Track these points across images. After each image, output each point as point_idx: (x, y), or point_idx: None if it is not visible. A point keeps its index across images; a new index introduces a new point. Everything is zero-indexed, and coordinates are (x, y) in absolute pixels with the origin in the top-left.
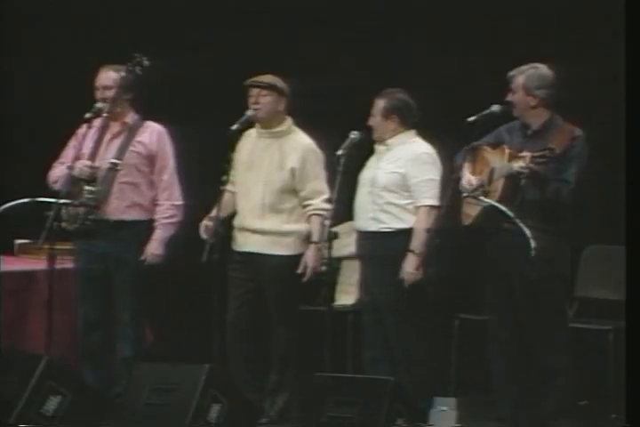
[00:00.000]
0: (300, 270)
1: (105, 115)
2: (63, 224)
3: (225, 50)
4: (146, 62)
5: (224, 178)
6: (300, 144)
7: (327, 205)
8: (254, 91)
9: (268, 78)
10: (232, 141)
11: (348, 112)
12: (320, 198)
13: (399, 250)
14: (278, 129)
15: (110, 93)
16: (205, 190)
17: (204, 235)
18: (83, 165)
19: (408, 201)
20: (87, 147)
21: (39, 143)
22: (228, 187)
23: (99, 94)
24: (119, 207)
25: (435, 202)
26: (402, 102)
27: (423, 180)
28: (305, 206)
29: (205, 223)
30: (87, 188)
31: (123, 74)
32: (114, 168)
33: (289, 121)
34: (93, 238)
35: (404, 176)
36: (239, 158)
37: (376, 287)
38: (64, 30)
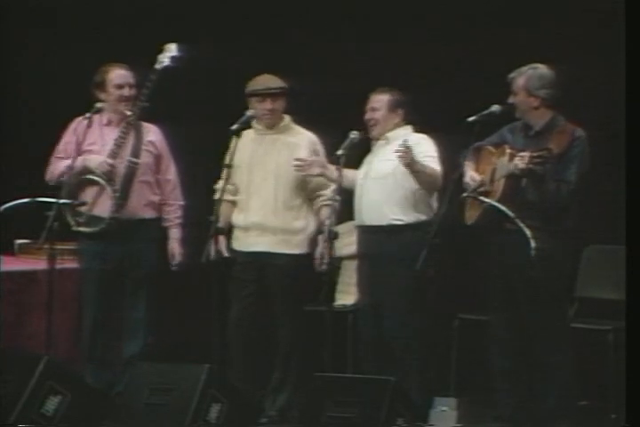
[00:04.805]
0: (317, 262)
1: (129, 114)
2: (83, 229)
3: (225, 49)
4: (178, 54)
5: (220, 186)
6: (305, 137)
7: (337, 196)
8: (267, 97)
9: (275, 82)
10: (233, 142)
11: (348, 112)
12: (330, 189)
13: (404, 246)
14: (281, 124)
15: (134, 92)
16: (203, 191)
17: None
18: (101, 162)
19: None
20: (94, 144)
21: (40, 143)
22: (227, 196)
23: (125, 92)
24: (138, 206)
25: (439, 168)
26: (405, 97)
27: (426, 155)
28: (315, 198)
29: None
30: (110, 187)
31: (158, 66)
32: (133, 167)
33: (287, 116)
34: (111, 239)
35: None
36: (242, 160)
37: (377, 286)
38: (64, 30)
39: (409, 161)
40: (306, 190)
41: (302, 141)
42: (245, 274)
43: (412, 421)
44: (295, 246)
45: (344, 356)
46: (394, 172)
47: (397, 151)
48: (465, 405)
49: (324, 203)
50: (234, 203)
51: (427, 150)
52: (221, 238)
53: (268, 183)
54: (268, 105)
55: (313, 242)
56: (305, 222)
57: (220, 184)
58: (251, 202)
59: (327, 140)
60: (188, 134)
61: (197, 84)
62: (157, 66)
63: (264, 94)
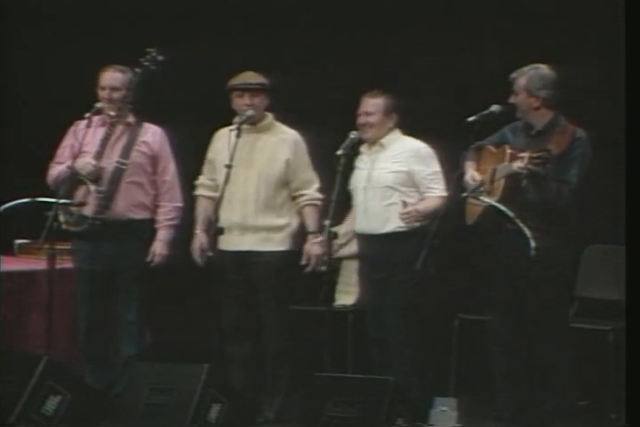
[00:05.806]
0: (304, 261)
1: (112, 115)
2: (71, 228)
3: (222, 49)
4: (160, 57)
5: (201, 181)
6: (289, 135)
7: (320, 195)
8: (245, 92)
9: (255, 78)
10: (233, 141)
11: (348, 112)
12: (313, 188)
13: (408, 251)
14: (263, 123)
15: (118, 95)
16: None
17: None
18: (86, 162)
19: (415, 199)
20: (87, 145)
21: (39, 143)
22: (210, 193)
23: (105, 95)
24: (126, 206)
25: (445, 193)
26: (399, 101)
27: (431, 173)
28: (297, 197)
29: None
30: (94, 188)
31: (138, 70)
32: (121, 167)
33: (270, 114)
34: (101, 239)
35: (409, 173)
36: (225, 158)
37: (378, 287)
38: (64, 30)
39: (417, 219)
40: (288, 189)
41: (286, 140)
42: (233, 274)
43: (412, 421)
44: (278, 243)
45: (344, 356)
46: (396, 184)
47: (403, 218)
48: (465, 405)
49: (307, 202)
50: (214, 199)
51: (427, 168)
52: (205, 238)
53: (251, 182)
54: (246, 100)
55: (296, 239)
56: (287, 220)
57: (200, 179)
58: (232, 201)
59: (324, 141)
60: (183, 135)
61: (196, 84)
62: (137, 69)
63: (242, 89)
